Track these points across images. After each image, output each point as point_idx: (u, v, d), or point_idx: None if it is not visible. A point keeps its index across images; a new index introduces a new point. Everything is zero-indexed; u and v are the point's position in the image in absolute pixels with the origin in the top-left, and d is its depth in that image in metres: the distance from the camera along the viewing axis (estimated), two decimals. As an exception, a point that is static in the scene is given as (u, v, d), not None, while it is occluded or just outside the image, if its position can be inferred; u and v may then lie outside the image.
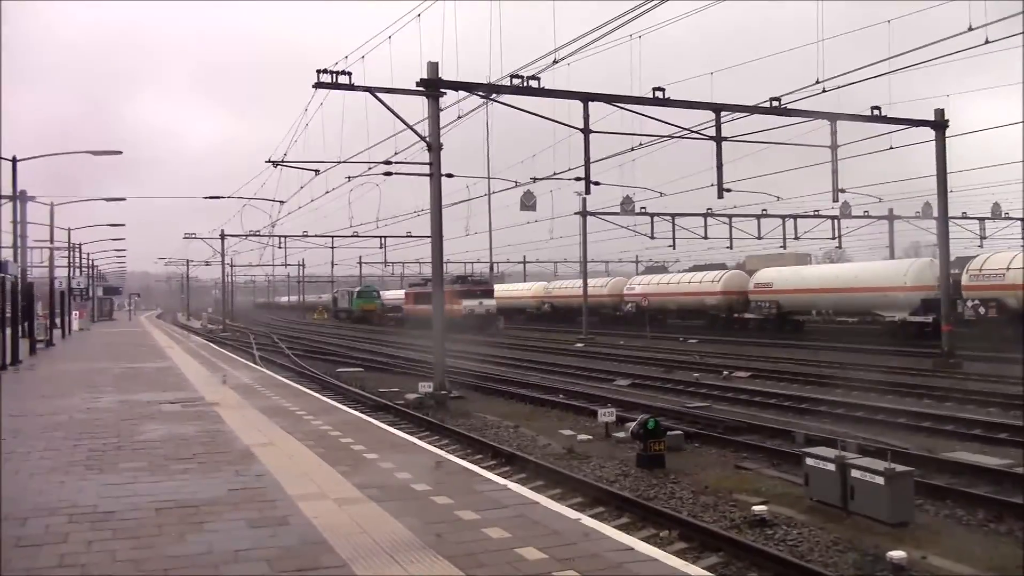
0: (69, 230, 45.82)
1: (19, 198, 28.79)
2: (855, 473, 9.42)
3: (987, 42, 18.95)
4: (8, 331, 23.14)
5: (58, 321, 40.76)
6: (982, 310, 33.41)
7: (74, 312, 49.11)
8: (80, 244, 54.04)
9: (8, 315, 23.64)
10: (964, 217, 46.18)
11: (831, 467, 9.72)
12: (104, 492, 7.93)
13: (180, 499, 7.63)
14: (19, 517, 7.02)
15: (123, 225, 50.11)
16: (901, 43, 20.19)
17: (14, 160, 26.63)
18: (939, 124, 27.15)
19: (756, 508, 9.59)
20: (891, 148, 27.04)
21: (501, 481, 8.67)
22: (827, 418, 16.65)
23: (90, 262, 65.33)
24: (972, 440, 14.30)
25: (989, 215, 47.20)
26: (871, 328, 39.77)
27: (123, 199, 40.75)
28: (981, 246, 46.69)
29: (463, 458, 11.33)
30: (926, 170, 29.38)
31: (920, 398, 19.55)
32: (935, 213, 30.43)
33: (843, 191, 27.27)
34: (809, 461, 10.16)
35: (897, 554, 7.79)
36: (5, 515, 7.07)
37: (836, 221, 47.28)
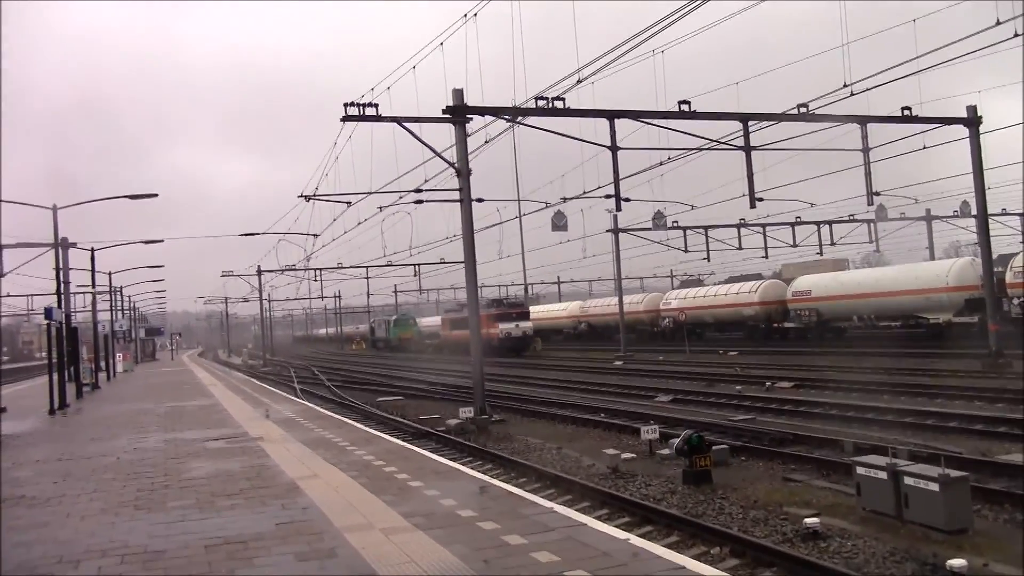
0: (110, 274, 46.52)
1: (61, 245, 29.35)
2: (908, 480, 9.22)
3: (1016, 35, 18.70)
4: (55, 376, 23.53)
5: (103, 364, 41.40)
6: (1029, 307, 32.72)
7: (118, 354, 49.88)
8: (121, 287, 55.00)
9: (55, 360, 24.04)
10: (1004, 214, 45.33)
11: (883, 475, 9.53)
12: (154, 531, 8.00)
13: (228, 535, 7.66)
14: (72, 559, 7.10)
15: (162, 266, 50.86)
16: (928, 42, 19.97)
17: (54, 208, 27.18)
18: (972, 121, 26.78)
19: (808, 521, 9.40)
20: (924, 148, 26.67)
21: (547, 504, 8.61)
22: (875, 425, 16.35)
23: (131, 304, 66.43)
24: (1027, 441, 13.94)
25: (1029, 210, 46.23)
26: (915, 331, 39.10)
27: (161, 241, 41.23)
28: (1024, 242, 45.74)
29: (507, 482, 11.27)
30: (962, 168, 28.92)
31: (970, 400, 19.14)
32: (973, 211, 29.93)
33: (877, 194, 26.83)
34: (860, 470, 9.97)
35: (957, 562, 7.59)
36: (59, 558, 7.16)
37: (872, 224, 46.66)
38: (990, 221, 29.47)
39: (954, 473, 9.07)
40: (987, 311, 28.20)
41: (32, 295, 58.68)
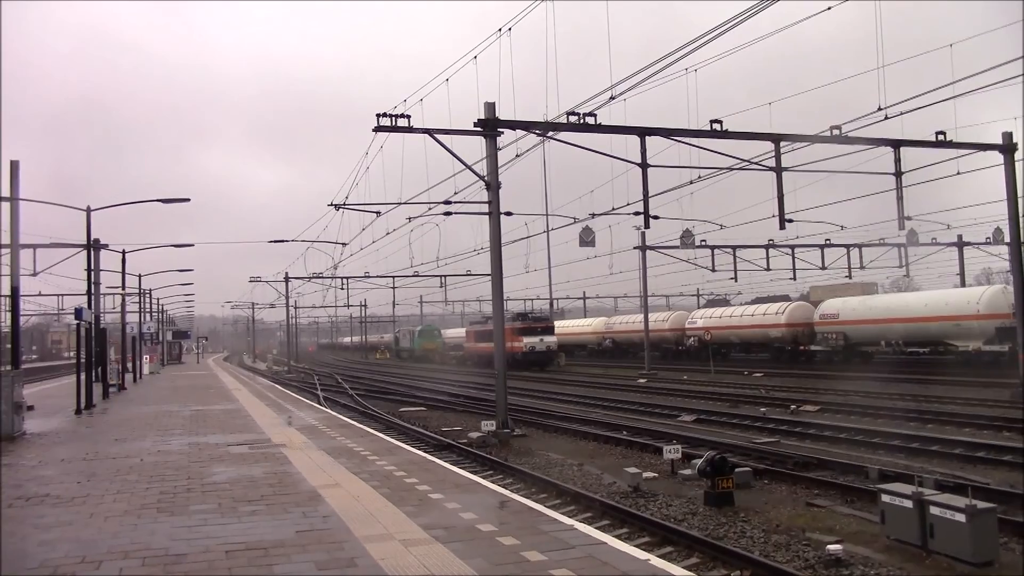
0: (140, 276, 47.07)
1: (93, 246, 29.75)
2: (934, 510, 9.07)
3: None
4: (83, 376, 23.81)
5: (129, 365, 41.85)
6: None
7: (145, 356, 50.41)
8: (150, 290, 55.60)
9: (83, 360, 24.34)
10: (1038, 242, 44.66)
11: (909, 504, 9.38)
12: (176, 535, 8.06)
13: (249, 541, 7.70)
14: (94, 560, 7.17)
15: (191, 270, 51.30)
16: (965, 67, 19.80)
17: (88, 210, 27.58)
18: (1007, 147, 26.44)
19: (831, 547, 9.28)
20: (958, 173, 26.38)
21: (567, 521, 8.57)
22: (901, 453, 16.13)
23: (160, 307, 67.12)
24: (1058, 474, 13.68)
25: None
26: (943, 358, 38.58)
27: (191, 245, 41.67)
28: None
29: (528, 497, 11.24)
30: (995, 195, 28.57)
31: (999, 431, 18.83)
32: (1006, 238, 29.53)
33: (909, 218, 26.59)
34: (885, 498, 9.82)
35: (983, 596, 7.45)
36: (81, 558, 7.22)
37: (903, 249, 46.23)
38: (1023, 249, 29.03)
39: (981, 504, 8.91)
40: (1018, 340, 27.75)
41: (63, 295, 59.73)
